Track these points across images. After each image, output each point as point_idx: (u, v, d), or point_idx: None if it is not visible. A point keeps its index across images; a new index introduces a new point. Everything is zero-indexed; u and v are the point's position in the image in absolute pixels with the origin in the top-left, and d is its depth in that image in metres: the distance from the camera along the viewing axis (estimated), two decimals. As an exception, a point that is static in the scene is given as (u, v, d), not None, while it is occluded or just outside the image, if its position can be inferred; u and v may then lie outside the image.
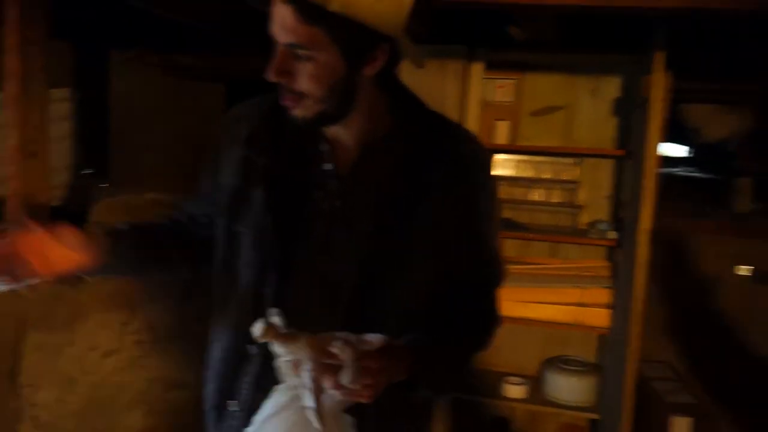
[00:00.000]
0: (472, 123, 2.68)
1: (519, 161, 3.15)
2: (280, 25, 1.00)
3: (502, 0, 1.67)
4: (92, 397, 2.04)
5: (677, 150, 5.16)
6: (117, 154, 3.80)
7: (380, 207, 1.11)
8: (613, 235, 2.85)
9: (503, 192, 3.12)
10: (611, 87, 2.96)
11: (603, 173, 3.06)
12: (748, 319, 3.07)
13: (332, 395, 0.93)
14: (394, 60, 1.08)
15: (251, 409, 1.08)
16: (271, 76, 1.03)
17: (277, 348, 0.94)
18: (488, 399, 3.03)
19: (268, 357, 1.01)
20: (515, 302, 2.90)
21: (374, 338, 0.96)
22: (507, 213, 3.10)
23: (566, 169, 3.11)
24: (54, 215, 2.15)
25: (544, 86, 3.04)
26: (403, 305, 1.12)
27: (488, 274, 1.26)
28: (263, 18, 1.04)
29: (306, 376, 0.92)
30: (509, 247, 3.14)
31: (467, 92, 2.69)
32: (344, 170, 1.14)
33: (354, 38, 1.00)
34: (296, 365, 0.94)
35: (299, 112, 1.06)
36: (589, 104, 3.00)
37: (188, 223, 1.28)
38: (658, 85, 2.39)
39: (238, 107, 1.25)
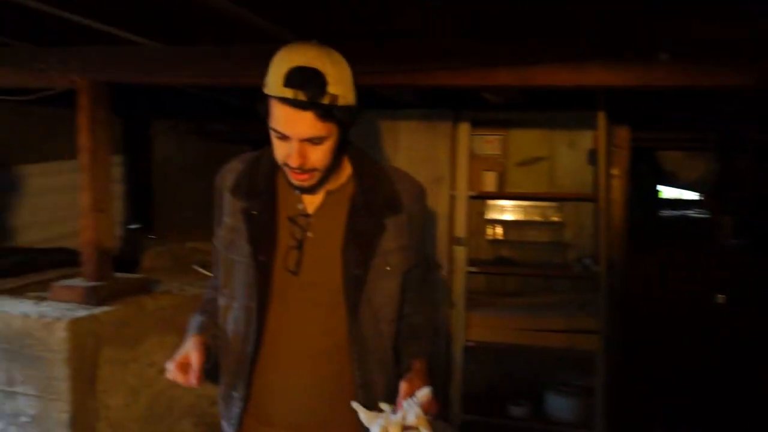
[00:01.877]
0: (461, 174, 3.13)
1: (511, 206, 3.59)
2: (299, 126, 1.26)
3: (471, 83, 2.07)
4: (151, 406, 2.46)
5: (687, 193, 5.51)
6: (160, 210, 4.31)
7: (344, 234, 1.39)
8: (595, 268, 3.23)
9: (500, 233, 3.56)
10: (585, 139, 3.38)
11: (585, 215, 3.46)
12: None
13: None
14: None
15: (247, 395, 1.42)
16: (297, 162, 1.28)
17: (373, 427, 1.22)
18: (495, 419, 3.39)
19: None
20: (514, 330, 3.29)
21: (423, 394, 1.25)
22: (504, 252, 3.52)
23: (552, 212, 3.54)
24: (114, 262, 2.60)
25: (527, 140, 3.50)
26: (378, 307, 1.43)
27: (426, 270, 1.60)
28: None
29: None
30: (508, 282, 3.55)
31: (456, 148, 3.15)
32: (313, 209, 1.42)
33: (347, 117, 1.33)
34: None
35: (309, 182, 1.35)
36: (567, 155, 3.44)
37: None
38: (602, 139, 2.81)
39: (230, 161, 1.52)
